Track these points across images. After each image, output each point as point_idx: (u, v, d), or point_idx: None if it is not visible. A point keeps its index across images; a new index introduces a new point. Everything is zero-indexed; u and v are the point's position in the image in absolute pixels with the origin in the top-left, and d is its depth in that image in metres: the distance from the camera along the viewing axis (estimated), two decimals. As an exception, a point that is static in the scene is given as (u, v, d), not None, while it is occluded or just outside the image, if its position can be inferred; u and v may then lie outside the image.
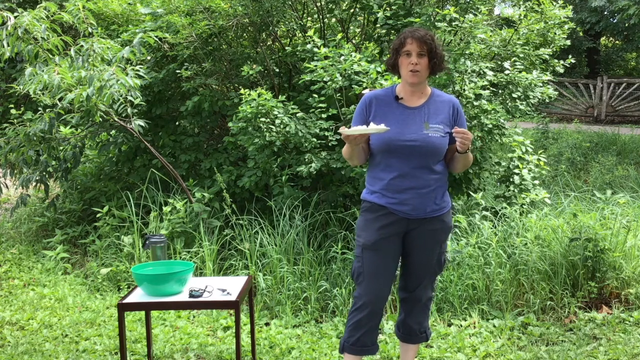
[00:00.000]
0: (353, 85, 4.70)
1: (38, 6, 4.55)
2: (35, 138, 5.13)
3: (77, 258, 5.46)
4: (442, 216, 2.99)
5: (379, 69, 4.68)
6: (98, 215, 5.43)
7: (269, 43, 6.09)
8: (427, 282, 3.08)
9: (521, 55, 5.50)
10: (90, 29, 4.71)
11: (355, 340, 3.00)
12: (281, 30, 6.08)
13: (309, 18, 6.11)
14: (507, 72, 5.32)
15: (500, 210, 5.02)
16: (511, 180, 5.28)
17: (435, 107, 2.95)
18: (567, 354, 3.68)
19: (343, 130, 2.75)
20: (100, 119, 4.88)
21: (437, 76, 4.80)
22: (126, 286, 4.82)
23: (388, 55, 3.07)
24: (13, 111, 6.08)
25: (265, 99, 4.63)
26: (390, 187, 2.91)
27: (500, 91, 5.40)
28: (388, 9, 5.21)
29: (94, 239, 5.38)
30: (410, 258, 3.03)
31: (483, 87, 5.00)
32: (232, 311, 4.30)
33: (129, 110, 4.90)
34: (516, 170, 5.29)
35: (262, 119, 4.67)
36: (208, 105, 5.40)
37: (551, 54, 5.71)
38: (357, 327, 2.99)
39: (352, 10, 5.77)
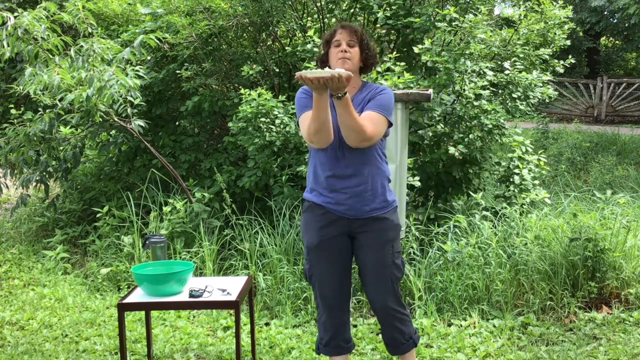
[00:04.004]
0: (353, 85, 4.69)
1: (38, 6, 4.55)
2: (35, 138, 5.13)
3: (77, 258, 5.46)
4: (387, 214, 2.86)
5: (378, 69, 4.67)
6: (98, 215, 5.43)
7: (269, 43, 6.09)
8: (389, 289, 2.89)
9: (521, 55, 5.51)
10: (90, 29, 4.71)
11: (327, 342, 2.99)
12: (281, 30, 6.08)
13: (309, 18, 6.11)
14: (507, 72, 5.33)
15: (500, 210, 5.01)
16: (511, 180, 5.28)
17: (362, 97, 2.83)
18: (567, 354, 3.68)
19: (304, 72, 2.47)
20: (100, 119, 4.88)
21: (437, 76, 4.84)
22: (126, 286, 4.82)
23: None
24: (13, 111, 6.07)
25: (266, 99, 4.63)
26: (326, 185, 2.83)
27: (500, 91, 5.41)
28: (388, 9, 5.21)
29: (94, 239, 5.38)
30: (362, 262, 2.90)
31: (483, 87, 5.01)
32: (232, 311, 4.30)
33: (129, 110, 4.90)
34: (516, 170, 5.29)
35: (262, 119, 4.67)
36: (208, 105, 5.40)
37: (551, 54, 5.71)
38: (325, 329, 2.98)
39: (352, 10, 5.77)
